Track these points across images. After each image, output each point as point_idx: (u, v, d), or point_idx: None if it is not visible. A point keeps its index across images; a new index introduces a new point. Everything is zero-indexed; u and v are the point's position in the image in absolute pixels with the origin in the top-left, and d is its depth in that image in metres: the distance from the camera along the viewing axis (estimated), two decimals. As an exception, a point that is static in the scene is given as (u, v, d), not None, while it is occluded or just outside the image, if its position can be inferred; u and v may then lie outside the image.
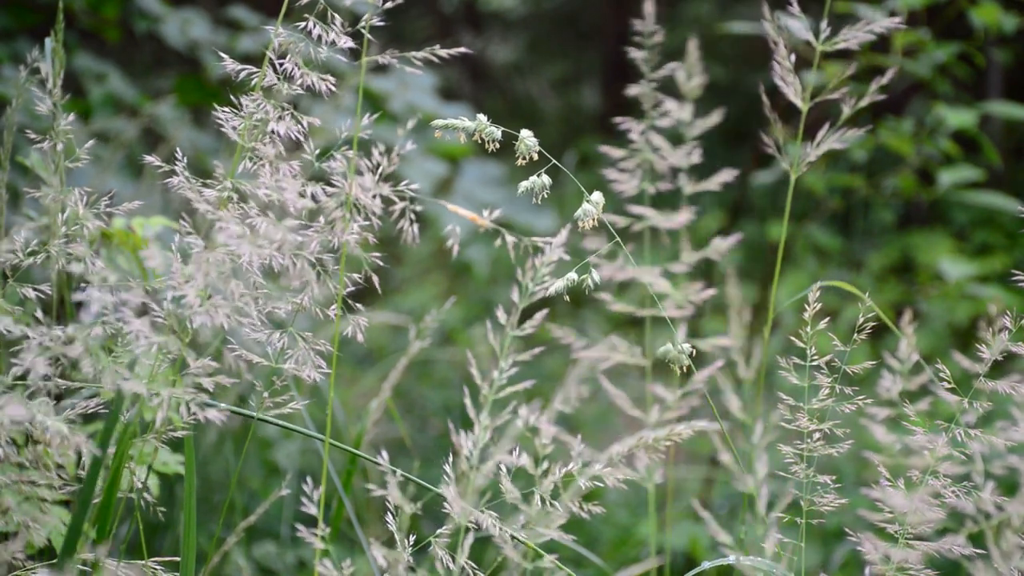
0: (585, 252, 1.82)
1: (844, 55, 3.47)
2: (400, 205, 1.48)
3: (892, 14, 3.39)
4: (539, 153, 1.56)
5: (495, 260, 5.17)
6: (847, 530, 1.69)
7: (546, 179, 1.56)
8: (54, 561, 1.37)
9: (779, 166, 1.86)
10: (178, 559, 1.56)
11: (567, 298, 1.57)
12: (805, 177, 3.81)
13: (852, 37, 1.79)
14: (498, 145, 1.56)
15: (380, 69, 3.91)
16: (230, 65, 1.53)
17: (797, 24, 1.82)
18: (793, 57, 1.79)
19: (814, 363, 1.62)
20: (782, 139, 1.95)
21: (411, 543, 1.48)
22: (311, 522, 1.44)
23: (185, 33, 3.85)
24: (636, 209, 2.30)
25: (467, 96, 8.02)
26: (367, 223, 1.48)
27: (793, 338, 1.64)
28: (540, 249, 1.61)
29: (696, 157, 2.31)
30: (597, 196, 1.58)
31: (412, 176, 3.69)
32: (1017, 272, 1.64)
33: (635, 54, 2.28)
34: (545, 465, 1.52)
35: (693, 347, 1.65)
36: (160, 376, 1.45)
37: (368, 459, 1.63)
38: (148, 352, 1.40)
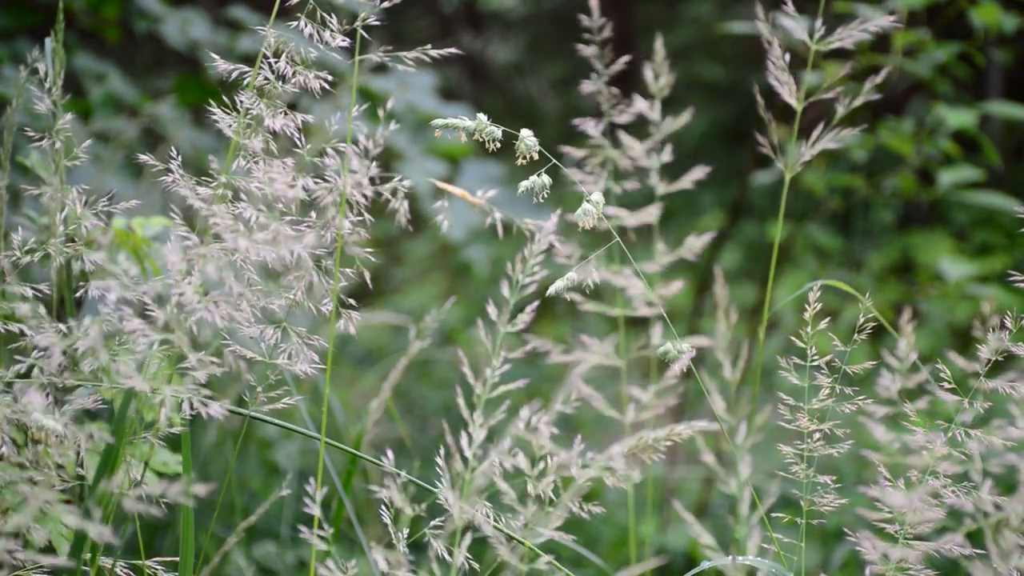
0: (588, 249, 1.82)
1: (845, 55, 3.47)
2: (390, 187, 1.48)
3: (892, 14, 3.39)
4: (539, 153, 1.56)
5: (495, 260, 5.17)
6: (847, 530, 1.69)
7: (546, 179, 1.56)
8: (57, 561, 1.37)
9: (779, 166, 1.85)
10: (178, 559, 1.56)
11: (568, 297, 1.56)
12: (805, 177, 3.81)
13: (847, 36, 1.78)
14: (499, 145, 1.56)
15: (380, 69, 3.91)
16: (222, 65, 1.53)
17: (792, 23, 1.81)
18: (788, 56, 1.79)
19: (814, 363, 1.62)
20: (779, 139, 1.95)
21: (407, 538, 1.48)
22: (312, 523, 1.44)
23: (185, 33, 3.85)
24: (610, 210, 2.27)
25: (467, 96, 8.02)
26: (359, 219, 1.48)
27: (793, 338, 1.64)
28: (532, 234, 1.60)
29: (667, 156, 2.27)
30: (597, 196, 1.58)
31: (412, 176, 3.69)
32: (1017, 272, 1.64)
33: (585, 51, 2.22)
34: (542, 465, 1.52)
35: (678, 348, 1.64)
36: (159, 374, 1.45)
37: (369, 460, 1.63)
38: (149, 350, 1.40)
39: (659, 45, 2.28)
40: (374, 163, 1.46)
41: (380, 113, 1.44)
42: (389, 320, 3.77)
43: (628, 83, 2.34)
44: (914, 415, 1.66)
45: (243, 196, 1.49)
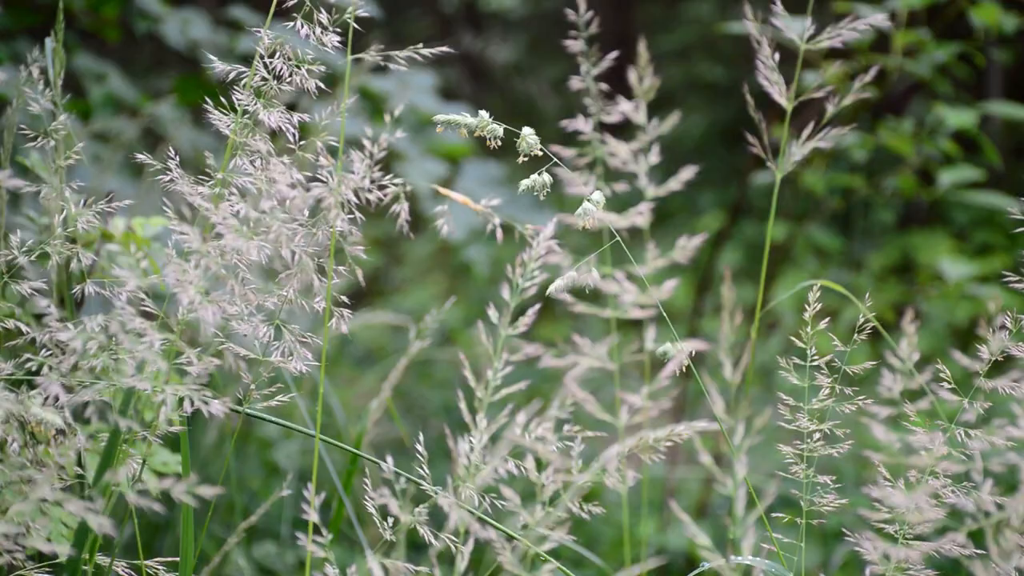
0: (582, 253, 1.81)
1: (846, 56, 3.47)
2: (392, 192, 1.48)
3: (892, 14, 3.39)
4: (540, 151, 1.56)
5: (495, 260, 5.17)
6: (846, 530, 1.69)
7: (547, 177, 1.56)
8: (57, 548, 1.37)
9: (772, 167, 1.85)
10: (178, 559, 1.56)
11: (564, 298, 1.56)
12: (805, 177, 3.81)
13: (837, 35, 1.77)
14: (499, 143, 1.56)
15: (380, 69, 3.90)
16: (219, 66, 1.53)
17: (783, 23, 1.81)
18: (778, 56, 1.78)
19: (814, 363, 1.62)
20: (774, 138, 1.94)
21: (406, 538, 1.47)
22: (313, 525, 1.44)
23: (185, 33, 3.85)
24: (598, 214, 2.25)
25: (467, 96, 8.02)
26: (351, 216, 1.47)
27: (793, 338, 1.64)
28: (531, 238, 1.60)
29: (655, 158, 2.25)
30: (597, 195, 1.58)
31: (412, 176, 3.69)
32: (1018, 273, 1.64)
33: (574, 46, 2.17)
34: (545, 474, 1.52)
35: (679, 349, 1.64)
36: (159, 373, 1.45)
37: (369, 459, 1.62)
38: (150, 349, 1.40)
39: (642, 48, 2.25)
40: (377, 166, 1.46)
41: (387, 119, 1.44)
42: (389, 320, 3.77)
43: (624, 83, 2.34)
44: (915, 415, 1.66)
45: (243, 195, 1.49)
